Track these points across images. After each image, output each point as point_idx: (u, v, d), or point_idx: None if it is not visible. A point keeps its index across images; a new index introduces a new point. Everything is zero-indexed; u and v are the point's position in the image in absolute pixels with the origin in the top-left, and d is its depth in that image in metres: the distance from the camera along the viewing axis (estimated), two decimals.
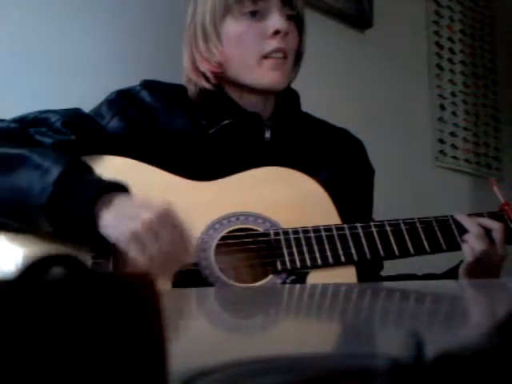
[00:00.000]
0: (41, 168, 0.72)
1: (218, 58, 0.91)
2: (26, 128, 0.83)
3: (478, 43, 2.39)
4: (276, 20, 0.88)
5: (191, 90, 0.95)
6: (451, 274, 0.93)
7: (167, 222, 0.70)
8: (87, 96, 0.94)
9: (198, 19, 0.92)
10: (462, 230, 0.87)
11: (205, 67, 0.92)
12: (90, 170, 0.76)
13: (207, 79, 0.93)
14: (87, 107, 0.92)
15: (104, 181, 0.73)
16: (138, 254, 0.69)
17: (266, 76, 0.90)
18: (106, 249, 0.75)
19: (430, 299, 0.57)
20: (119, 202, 0.71)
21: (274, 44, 0.88)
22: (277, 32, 0.88)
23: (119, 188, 0.73)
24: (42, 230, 0.74)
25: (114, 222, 0.70)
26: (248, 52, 0.89)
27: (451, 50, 2.24)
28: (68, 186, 0.71)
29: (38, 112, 0.85)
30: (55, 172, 0.71)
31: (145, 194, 0.84)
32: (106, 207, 0.70)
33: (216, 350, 0.29)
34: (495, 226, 0.87)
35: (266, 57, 0.89)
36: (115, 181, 0.73)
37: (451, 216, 0.88)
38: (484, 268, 0.86)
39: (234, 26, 0.90)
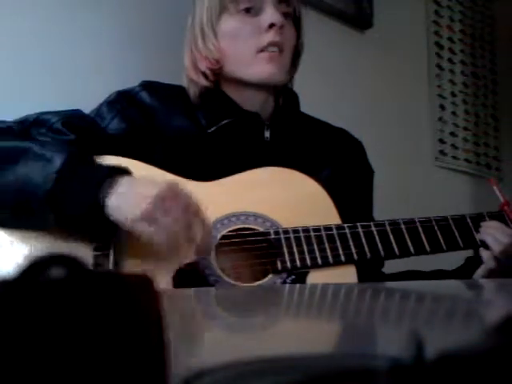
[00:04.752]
0: (43, 158, 0.73)
1: (216, 54, 0.92)
2: (28, 129, 0.84)
3: (478, 43, 2.39)
4: (270, 14, 0.90)
5: (193, 91, 0.96)
6: (462, 271, 0.93)
7: (175, 195, 0.71)
8: (88, 97, 0.94)
9: (197, 20, 0.95)
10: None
11: (203, 65, 0.94)
12: (91, 158, 0.77)
13: (206, 77, 0.94)
14: (88, 108, 0.92)
15: (107, 166, 0.74)
16: (150, 230, 0.69)
17: (261, 69, 0.91)
18: (107, 240, 0.75)
19: (430, 299, 0.57)
20: (125, 184, 0.72)
21: (269, 37, 0.90)
22: (271, 25, 0.89)
23: (122, 171, 0.74)
24: (43, 226, 0.75)
25: (122, 203, 0.70)
26: (244, 46, 0.91)
27: (451, 50, 2.24)
28: (72, 173, 0.72)
29: (38, 113, 0.86)
30: (58, 160, 0.72)
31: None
32: (112, 191, 0.71)
33: (216, 349, 0.29)
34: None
35: (261, 50, 0.90)
36: (117, 165, 0.75)
37: (451, 216, 0.89)
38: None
39: (229, 23, 0.92)
